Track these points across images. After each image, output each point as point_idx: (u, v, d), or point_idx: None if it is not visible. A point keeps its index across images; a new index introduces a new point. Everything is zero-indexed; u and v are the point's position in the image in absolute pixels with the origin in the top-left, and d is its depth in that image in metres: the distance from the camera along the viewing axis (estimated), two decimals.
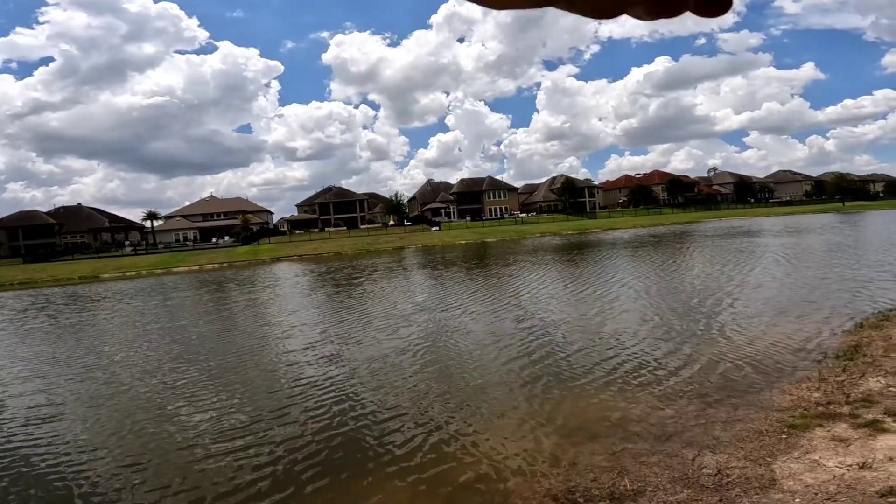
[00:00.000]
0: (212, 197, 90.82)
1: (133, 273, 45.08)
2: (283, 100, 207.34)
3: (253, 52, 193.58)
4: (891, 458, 4.00)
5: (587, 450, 5.33)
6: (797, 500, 3.64)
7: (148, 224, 71.52)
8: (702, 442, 5.11)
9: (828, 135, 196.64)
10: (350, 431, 6.41)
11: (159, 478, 5.47)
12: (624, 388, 7.08)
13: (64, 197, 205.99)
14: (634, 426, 5.78)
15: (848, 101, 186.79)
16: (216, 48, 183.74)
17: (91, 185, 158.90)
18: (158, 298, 24.20)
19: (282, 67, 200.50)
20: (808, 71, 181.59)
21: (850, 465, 4.02)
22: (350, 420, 6.77)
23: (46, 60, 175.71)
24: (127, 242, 70.04)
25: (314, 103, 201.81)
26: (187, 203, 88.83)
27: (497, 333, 11.07)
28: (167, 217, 79.48)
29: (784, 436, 4.86)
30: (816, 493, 3.68)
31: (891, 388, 5.49)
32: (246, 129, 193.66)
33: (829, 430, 4.75)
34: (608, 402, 6.63)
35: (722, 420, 5.60)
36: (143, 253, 61.20)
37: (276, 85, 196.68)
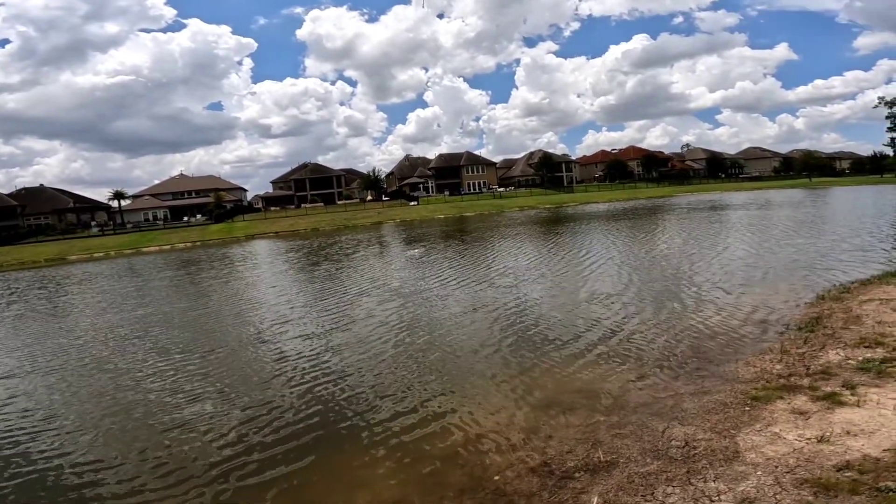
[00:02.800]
0: (182, 175, 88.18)
1: (101, 254, 43.74)
2: (257, 77, 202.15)
3: (224, 29, 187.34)
4: (847, 432, 4.22)
5: (563, 422, 5.52)
6: (759, 472, 3.84)
7: (115, 204, 69.07)
8: (671, 414, 5.33)
9: (797, 114, 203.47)
10: (333, 406, 6.51)
11: (147, 458, 5.45)
12: (598, 360, 7.30)
13: (25, 178, 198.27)
14: (608, 398, 5.98)
15: (819, 82, 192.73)
16: (184, 26, 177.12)
17: (54, 165, 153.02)
18: (135, 280, 23.61)
19: (255, 44, 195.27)
20: (782, 51, 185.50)
21: (809, 439, 4.24)
22: (332, 395, 6.87)
23: (3, 42, 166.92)
24: (93, 223, 67.59)
25: (289, 80, 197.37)
26: (156, 182, 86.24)
27: (475, 306, 11.21)
28: (135, 196, 76.94)
29: (747, 408, 5.09)
30: (777, 467, 3.89)
31: (849, 361, 5.77)
32: (217, 106, 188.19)
33: (789, 403, 4.99)
34: (583, 374, 6.84)
35: (690, 392, 5.83)
36: (111, 233, 59.28)
37: (248, 62, 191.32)
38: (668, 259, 15.90)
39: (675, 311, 9.55)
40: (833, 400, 4.87)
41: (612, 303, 10.65)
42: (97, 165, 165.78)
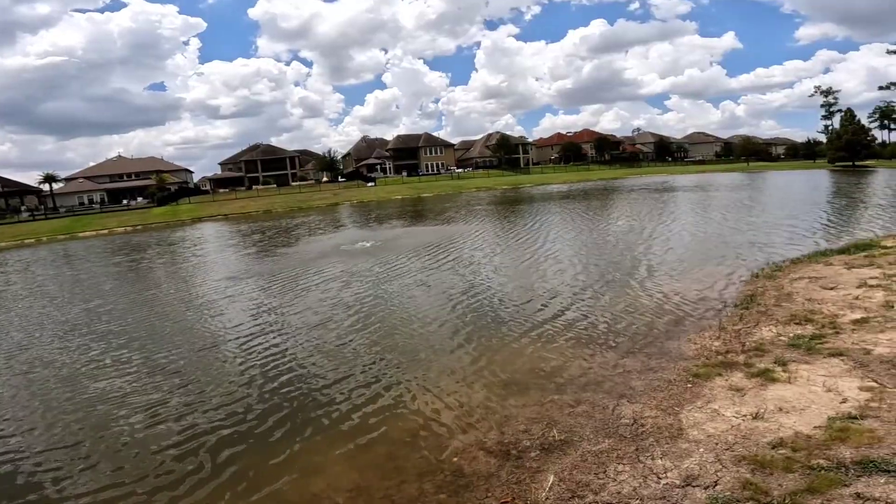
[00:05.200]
0: (120, 157, 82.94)
1: (32, 240, 40.70)
2: (204, 57, 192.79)
3: (170, 8, 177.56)
4: (780, 409, 4.55)
5: (518, 402, 5.68)
6: (701, 449, 4.10)
7: (46, 187, 64.20)
8: (620, 391, 5.59)
9: (739, 101, 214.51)
10: (290, 392, 6.43)
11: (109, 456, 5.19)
12: (550, 340, 7.54)
13: None
14: (561, 377, 6.20)
15: (760, 70, 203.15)
16: (124, 6, 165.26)
17: None
18: (64, 268, 22.11)
19: (204, 24, 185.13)
20: (729, 40, 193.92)
21: (745, 416, 4.54)
22: (289, 381, 6.77)
23: None
24: (23, 207, 62.67)
25: (240, 60, 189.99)
26: (92, 164, 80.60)
27: (431, 287, 11.27)
28: (68, 179, 71.68)
29: (689, 385, 5.40)
30: (717, 443, 4.15)
31: (780, 338, 6.20)
32: (159, 87, 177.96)
33: (727, 380, 5.33)
34: (536, 354, 7.05)
35: (637, 370, 6.13)
36: (42, 218, 55.19)
37: (196, 42, 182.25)
38: (618, 239, 16.47)
39: (624, 290, 9.95)
40: (766, 377, 5.22)
41: (564, 283, 10.97)
42: (26, 148, 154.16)
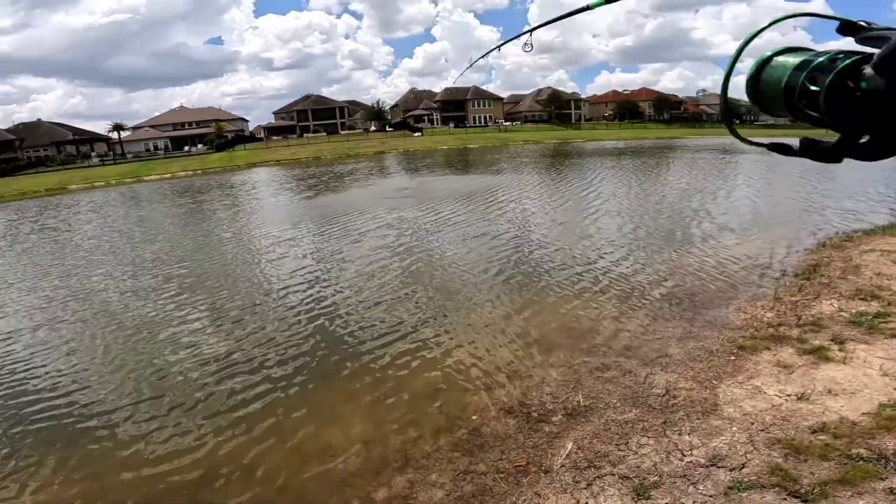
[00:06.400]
0: (182, 107, 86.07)
1: (102, 183, 43.41)
2: (259, 11, 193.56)
3: None
4: (829, 391, 4.13)
5: (547, 361, 5.52)
6: (734, 428, 3.80)
7: (115, 135, 67.84)
8: (655, 359, 5.30)
9: None
10: (324, 337, 6.57)
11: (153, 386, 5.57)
12: (591, 300, 7.24)
13: (23, 114, 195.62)
14: (596, 339, 5.95)
15: (848, 39, 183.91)
16: None
17: (52, 101, 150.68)
18: (132, 209, 23.51)
19: None
20: (818, 4, 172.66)
21: (789, 395, 4.16)
22: (323, 326, 6.92)
23: None
24: (93, 153, 66.72)
25: (293, 13, 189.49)
26: (156, 114, 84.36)
27: (471, 239, 11.10)
28: (135, 128, 75.62)
29: (732, 357, 5.03)
30: (752, 423, 3.84)
31: (842, 313, 5.61)
32: (217, 41, 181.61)
33: (775, 355, 4.90)
34: (574, 313, 6.80)
35: (677, 337, 5.78)
36: (111, 163, 58.58)
37: None
38: (673, 199, 15.51)
39: (673, 253, 9.39)
40: (819, 355, 4.76)
41: (610, 241, 10.48)
42: (95, 101, 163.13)
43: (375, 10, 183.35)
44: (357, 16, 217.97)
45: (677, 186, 18.63)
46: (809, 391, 4.22)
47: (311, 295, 8.42)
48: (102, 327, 7.74)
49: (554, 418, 4.44)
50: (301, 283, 9.12)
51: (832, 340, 5.02)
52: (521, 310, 7.07)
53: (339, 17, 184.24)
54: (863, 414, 3.77)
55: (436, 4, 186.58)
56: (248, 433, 4.67)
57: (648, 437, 3.84)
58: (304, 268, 10.18)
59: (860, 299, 6.00)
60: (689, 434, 3.80)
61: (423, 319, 7.02)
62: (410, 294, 8.10)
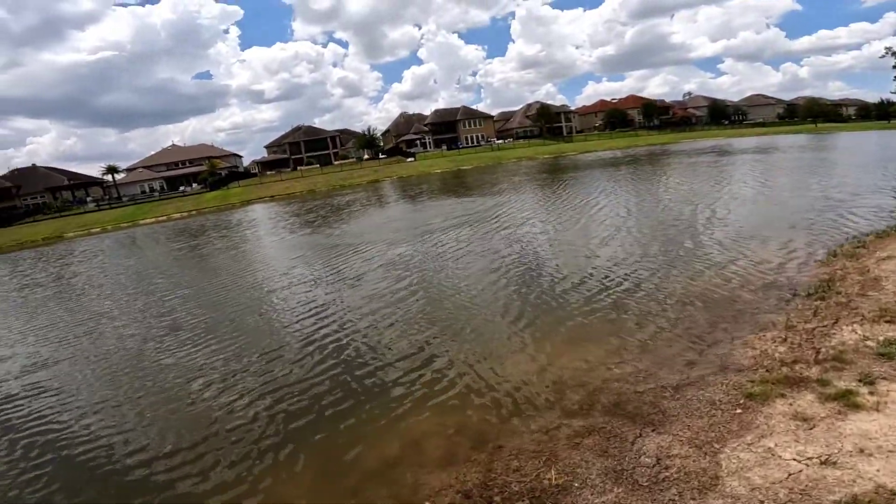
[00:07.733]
0: (174, 145, 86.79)
1: (98, 229, 43.10)
2: (245, 44, 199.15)
3: None
4: (861, 450, 3.23)
5: (518, 427, 4.66)
6: None
7: (109, 178, 68.04)
8: (647, 415, 4.42)
9: (802, 63, 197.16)
10: (343, 362, 5.98)
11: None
12: (572, 337, 6.40)
13: (20, 159, 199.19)
14: (577, 393, 5.07)
15: (823, 32, 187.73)
16: None
17: (47, 144, 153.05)
18: (127, 259, 22.85)
19: (241, 12, 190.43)
20: (786, 2, 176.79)
21: (811, 459, 3.27)
22: (343, 350, 6.16)
23: None
24: (89, 199, 66.80)
25: (278, 45, 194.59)
26: (151, 153, 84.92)
27: (465, 260, 10.26)
28: (129, 169, 75.78)
29: (739, 410, 4.13)
30: (762, 501, 2.95)
31: (867, 343, 4.68)
32: (205, 75, 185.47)
33: (791, 404, 3.99)
34: (552, 358, 5.92)
35: (673, 385, 4.89)
36: (107, 207, 58.50)
37: (235, 30, 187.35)
38: (670, 208, 14.67)
39: (669, 273, 8.52)
40: (846, 401, 3.85)
41: (597, 266, 9.60)
42: (90, 141, 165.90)
43: (360, 36, 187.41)
44: (343, 44, 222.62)
45: (673, 192, 17.83)
46: (836, 451, 3.34)
47: (327, 320, 7.57)
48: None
49: (519, 502, 3.57)
50: (315, 308, 8.28)
51: (860, 381, 4.11)
52: (494, 358, 6.21)
53: (325, 45, 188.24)
54: None
55: (419, 28, 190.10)
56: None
57: None
58: (313, 290, 9.36)
59: (886, 321, 5.09)
60: None
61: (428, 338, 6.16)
62: (423, 316, 7.24)
